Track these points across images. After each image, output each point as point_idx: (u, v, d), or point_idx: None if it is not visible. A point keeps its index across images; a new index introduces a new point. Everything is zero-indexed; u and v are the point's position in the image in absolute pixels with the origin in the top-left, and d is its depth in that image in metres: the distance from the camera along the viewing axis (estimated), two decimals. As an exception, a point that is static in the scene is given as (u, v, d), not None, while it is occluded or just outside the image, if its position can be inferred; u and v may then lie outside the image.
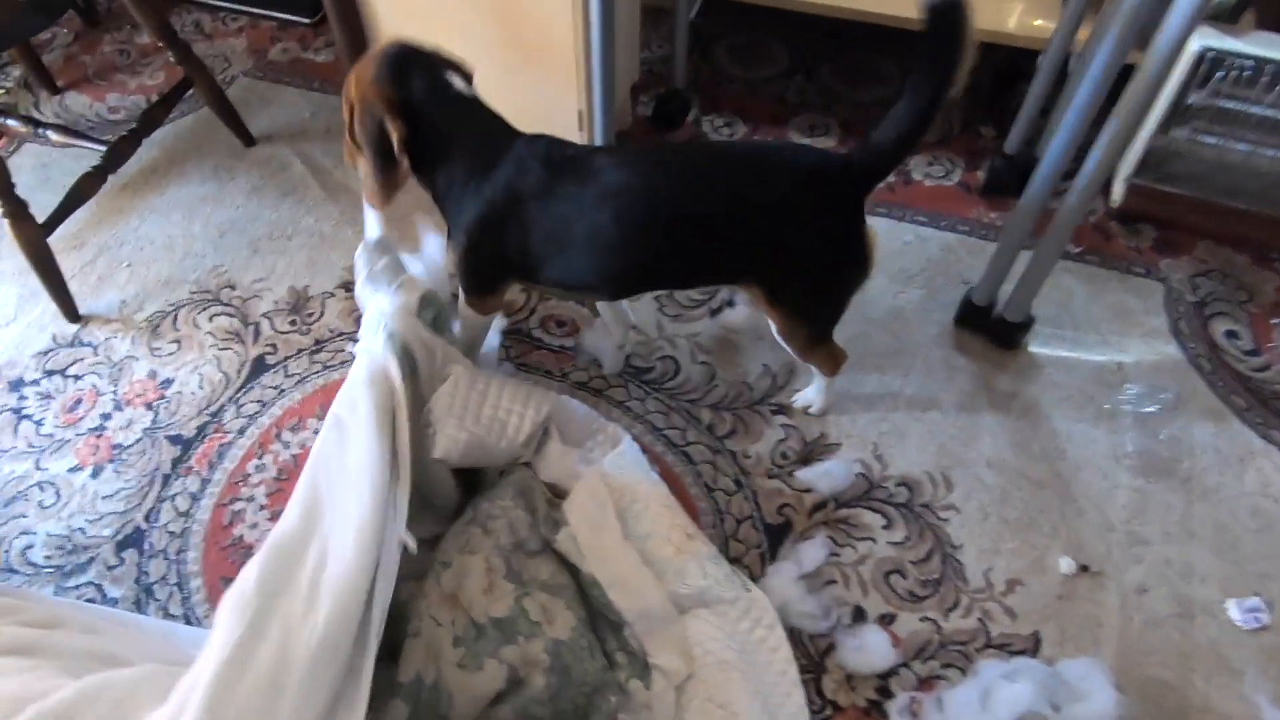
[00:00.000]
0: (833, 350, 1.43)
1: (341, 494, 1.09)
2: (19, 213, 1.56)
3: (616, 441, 1.46)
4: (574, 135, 1.73)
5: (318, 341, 1.67)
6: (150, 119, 1.76)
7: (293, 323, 1.70)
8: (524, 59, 1.63)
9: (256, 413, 1.58)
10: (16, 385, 1.63)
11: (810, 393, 1.56)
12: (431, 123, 1.24)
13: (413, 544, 1.12)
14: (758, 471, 1.48)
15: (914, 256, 1.77)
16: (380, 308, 1.35)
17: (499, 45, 1.62)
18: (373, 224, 1.47)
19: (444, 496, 1.36)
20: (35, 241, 1.60)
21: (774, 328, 1.36)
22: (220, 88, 1.87)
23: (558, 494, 1.41)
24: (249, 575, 1.01)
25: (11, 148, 2.03)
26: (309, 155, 2.00)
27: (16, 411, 1.60)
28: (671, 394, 1.58)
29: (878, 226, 1.79)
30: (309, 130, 2.06)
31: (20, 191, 1.59)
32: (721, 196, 1.19)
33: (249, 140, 2.00)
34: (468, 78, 1.31)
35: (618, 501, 1.37)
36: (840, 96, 2.09)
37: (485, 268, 1.34)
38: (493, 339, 1.63)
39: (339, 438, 1.20)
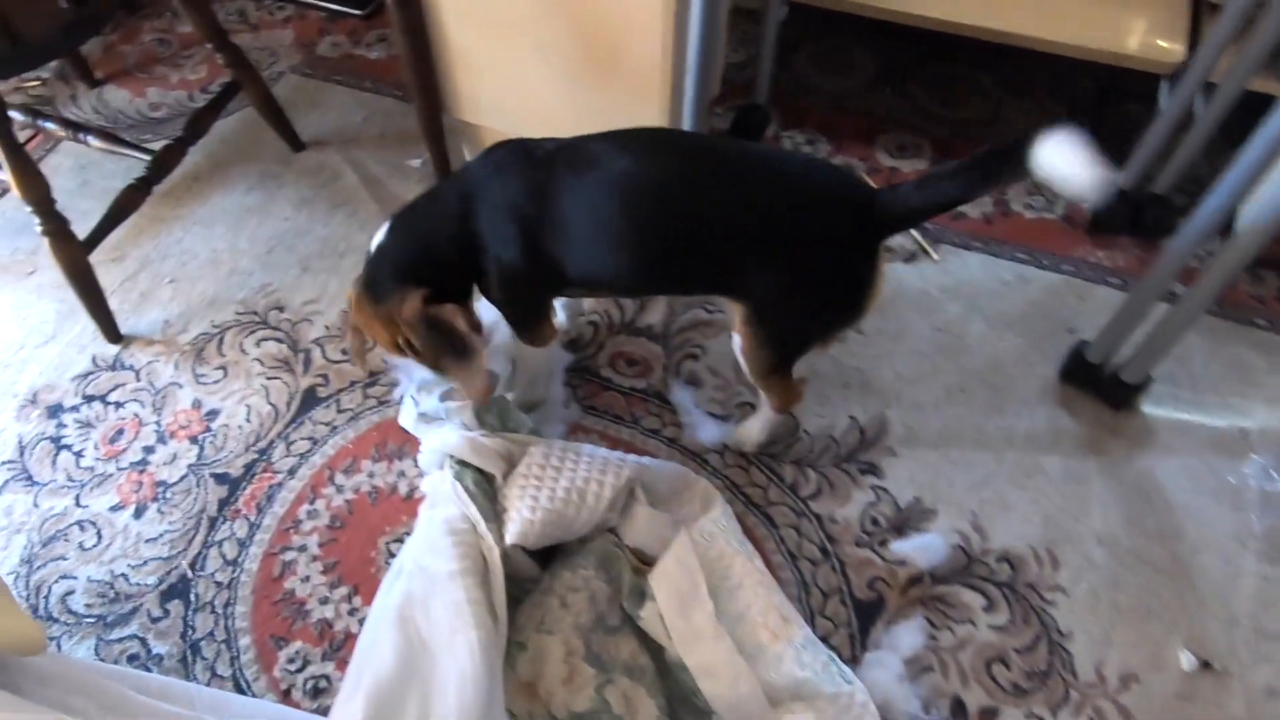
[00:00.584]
0: (790, 384, 1.34)
1: (439, 639, 1.02)
2: (60, 231, 1.48)
3: (709, 503, 1.35)
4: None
5: (372, 374, 1.58)
6: (197, 126, 1.66)
7: (345, 352, 1.61)
8: (601, 74, 1.51)
9: (308, 451, 1.50)
10: (55, 411, 1.56)
11: (752, 425, 1.45)
12: (441, 262, 1.20)
13: None
14: (846, 539, 1.38)
15: (1014, 299, 1.65)
16: (440, 442, 1.31)
17: (575, 58, 1.51)
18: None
19: (521, 570, 1.28)
20: (76, 261, 1.51)
21: (738, 342, 1.26)
22: (270, 92, 1.77)
23: (644, 560, 1.31)
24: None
25: (47, 146, 1.95)
26: (361, 164, 1.89)
27: (55, 441, 1.52)
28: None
29: (973, 263, 1.70)
30: (361, 136, 1.95)
31: (57, 196, 1.49)
32: (732, 198, 1.11)
33: (297, 145, 1.90)
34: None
35: (709, 574, 1.26)
36: (931, 113, 1.95)
37: (520, 293, 1.26)
38: (555, 382, 1.54)
39: (426, 583, 1.15)
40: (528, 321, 1.33)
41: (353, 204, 1.83)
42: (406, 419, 1.39)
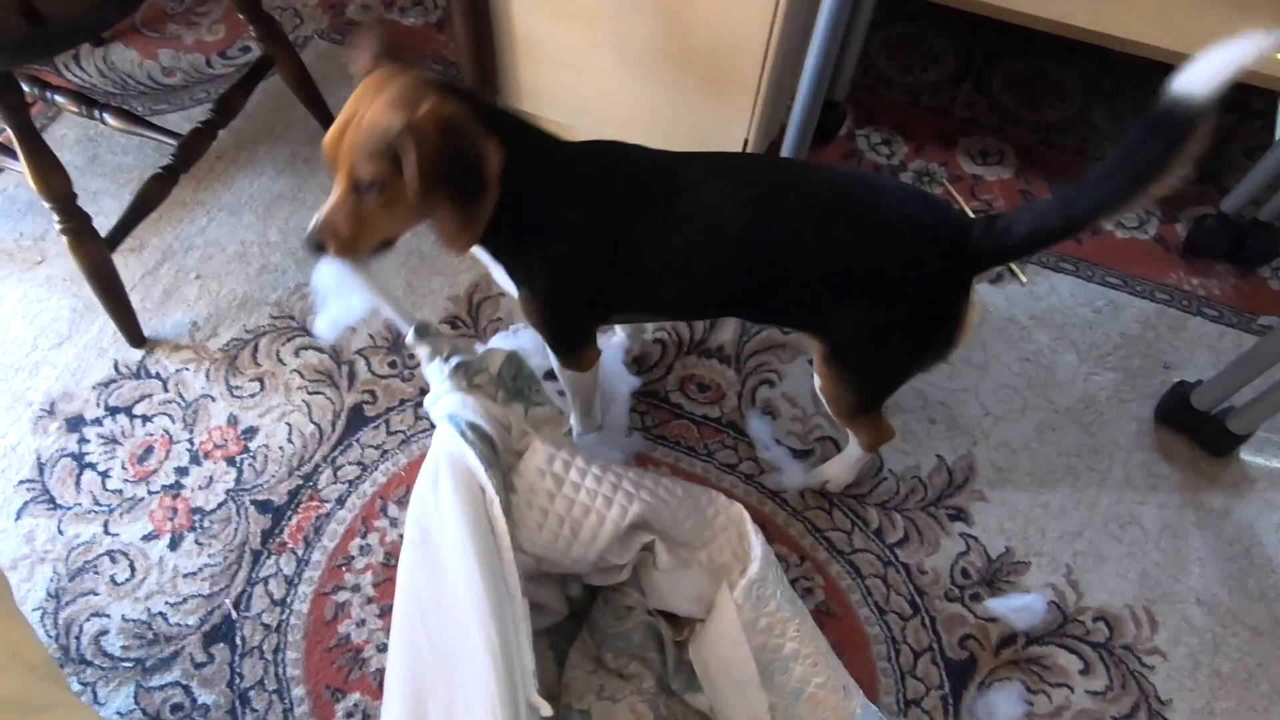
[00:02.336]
0: (880, 423, 1.27)
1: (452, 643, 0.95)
2: (82, 229, 1.34)
3: (744, 551, 1.19)
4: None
5: (423, 390, 1.48)
6: (226, 106, 1.51)
7: (393, 365, 1.50)
8: (688, 77, 1.40)
9: (357, 478, 1.40)
10: (76, 424, 1.44)
11: (837, 465, 1.38)
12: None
13: (547, 710, 0.96)
14: (935, 591, 1.33)
15: (1107, 329, 1.57)
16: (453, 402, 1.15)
17: (661, 58, 1.39)
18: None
19: (543, 596, 1.21)
20: (99, 261, 1.38)
21: (818, 383, 1.20)
22: (304, 68, 1.62)
23: (682, 622, 1.22)
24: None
25: (50, 115, 1.78)
26: (401, 148, 1.75)
27: (78, 459, 1.41)
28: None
29: (1063, 287, 1.62)
30: (399, 115, 1.81)
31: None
32: (818, 232, 1.04)
33: (330, 123, 1.75)
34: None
35: (761, 648, 1.14)
36: (1015, 116, 1.85)
37: (574, 316, 1.15)
38: (619, 407, 1.45)
39: (427, 557, 1.04)
40: (572, 343, 1.22)
41: (393, 195, 1.69)
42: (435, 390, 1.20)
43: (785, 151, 1.45)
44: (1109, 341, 1.56)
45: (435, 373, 1.15)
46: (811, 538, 1.37)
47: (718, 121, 1.44)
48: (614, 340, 1.50)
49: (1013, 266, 1.63)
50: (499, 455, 1.12)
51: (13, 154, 1.30)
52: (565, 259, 1.07)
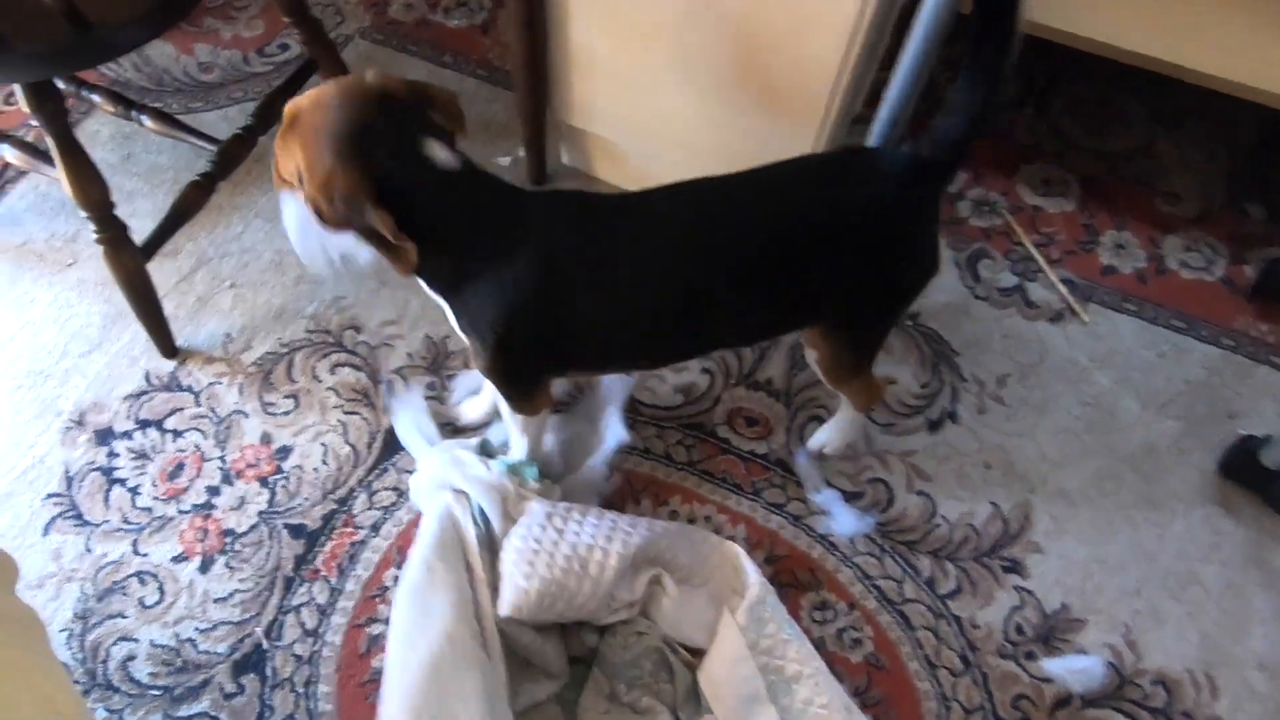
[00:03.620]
0: (873, 381, 1.29)
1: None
2: (118, 239, 1.31)
3: (741, 571, 1.23)
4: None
5: (457, 431, 1.45)
6: (267, 112, 1.47)
7: (431, 387, 1.47)
8: (754, 98, 1.35)
9: (392, 505, 1.38)
10: (106, 437, 1.42)
11: (830, 431, 1.41)
12: (416, 205, 0.97)
13: None
14: (988, 647, 1.30)
15: (1170, 375, 1.53)
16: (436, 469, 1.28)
17: (727, 78, 1.34)
18: None
19: (542, 655, 1.20)
20: (134, 272, 1.35)
21: (814, 356, 1.23)
22: (348, 72, 1.58)
23: (690, 649, 1.23)
24: None
25: (83, 110, 1.74)
26: (443, 156, 1.72)
27: (107, 474, 1.39)
28: (884, 530, 1.38)
29: (1125, 328, 1.58)
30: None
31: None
32: (791, 225, 1.04)
33: (371, 129, 1.71)
34: (448, 138, 1.01)
35: (764, 667, 1.18)
36: (1077, 143, 1.80)
37: (523, 365, 1.13)
38: (599, 459, 1.40)
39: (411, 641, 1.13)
40: (520, 391, 1.19)
41: (434, 206, 1.66)
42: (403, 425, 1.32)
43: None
44: (1172, 387, 1.52)
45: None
46: (861, 585, 1.34)
47: (781, 143, 1.39)
48: (616, 384, 1.46)
49: (1074, 304, 1.59)
50: (492, 527, 1.23)
51: (49, 160, 1.27)
52: (509, 312, 1.03)
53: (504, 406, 1.23)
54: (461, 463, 1.28)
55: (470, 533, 1.22)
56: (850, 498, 1.40)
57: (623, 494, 1.39)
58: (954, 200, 1.72)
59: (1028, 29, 1.68)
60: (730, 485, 1.41)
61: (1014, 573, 1.36)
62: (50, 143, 1.21)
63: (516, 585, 1.15)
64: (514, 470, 1.29)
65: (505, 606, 1.15)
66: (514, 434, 1.28)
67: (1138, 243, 1.68)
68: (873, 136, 1.33)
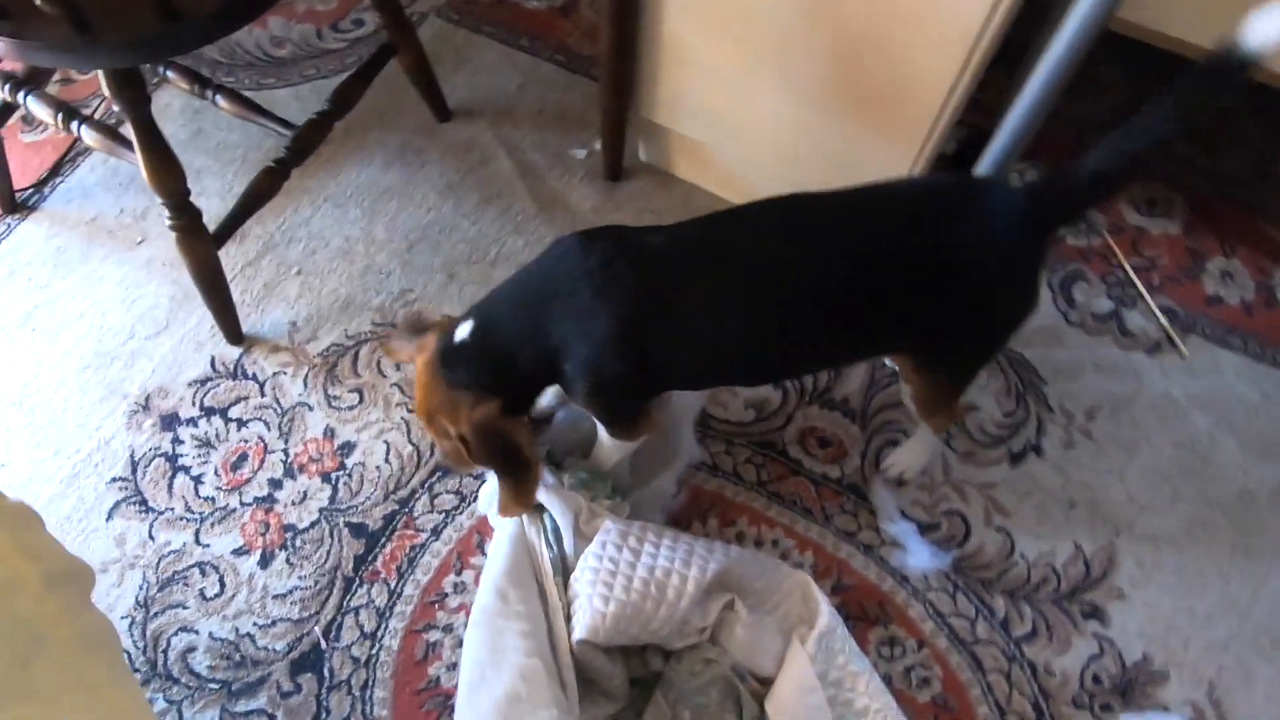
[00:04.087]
0: (957, 408, 1.29)
1: None
2: (191, 227, 1.30)
3: (810, 601, 1.20)
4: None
5: (529, 420, 1.43)
6: (344, 97, 1.45)
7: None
8: (859, 109, 1.29)
9: (454, 509, 1.37)
10: (171, 422, 1.42)
11: (906, 454, 1.38)
12: (519, 374, 1.08)
13: None
14: (1062, 696, 1.26)
15: (1275, 418, 1.45)
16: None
17: (830, 86, 1.29)
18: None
19: (609, 677, 1.18)
20: (205, 259, 1.34)
21: (907, 392, 1.22)
22: (425, 57, 1.55)
23: (759, 679, 1.21)
24: None
25: (153, 82, 1.73)
26: (516, 146, 1.68)
27: (172, 460, 1.40)
28: (959, 566, 1.34)
29: (1228, 364, 1.51)
30: (516, 108, 1.73)
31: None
32: (889, 253, 1.01)
33: (444, 114, 1.69)
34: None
35: (832, 700, 1.15)
36: (1188, 160, 1.71)
37: (623, 400, 1.13)
38: (669, 475, 1.38)
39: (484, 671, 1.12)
40: (626, 421, 1.19)
41: (506, 198, 1.63)
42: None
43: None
44: (1275, 431, 1.45)
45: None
46: (932, 622, 1.30)
47: (879, 157, 1.34)
48: (688, 401, 1.43)
49: (1173, 334, 1.52)
50: (565, 549, 1.21)
51: (127, 144, 1.26)
52: (605, 359, 1.04)
53: (603, 432, 1.21)
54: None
55: (545, 556, 1.20)
56: (925, 529, 1.36)
57: (689, 512, 1.37)
58: (1050, 216, 1.64)
59: (1137, 33, 1.60)
60: (800, 509, 1.38)
61: (1094, 619, 1.31)
62: (131, 130, 1.20)
63: (593, 608, 1.13)
64: (587, 485, 1.27)
65: (581, 629, 1.13)
66: (604, 454, 1.27)
67: (1246, 272, 1.60)
68: (988, 157, 1.26)
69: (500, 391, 1.07)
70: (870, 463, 1.41)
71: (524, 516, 1.23)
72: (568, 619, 1.15)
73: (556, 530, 1.22)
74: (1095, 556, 1.35)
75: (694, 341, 1.05)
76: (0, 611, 0.74)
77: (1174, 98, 0.91)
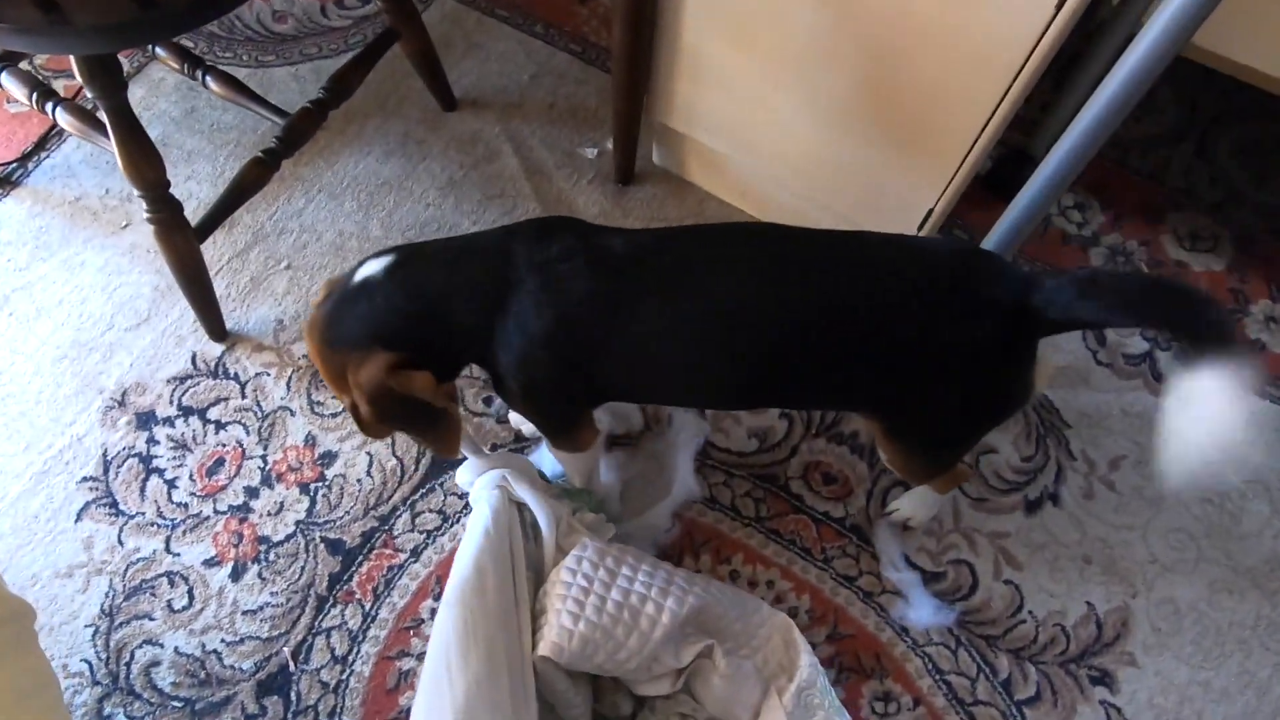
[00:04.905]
0: (956, 472, 1.21)
1: None
2: (171, 220, 1.24)
3: (791, 648, 1.16)
4: (906, 231, 1.33)
5: (520, 439, 1.37)
6: (342, 85, 1.38)
7: (488, 401, 1.40)
8: (886, 135, 1.22)
9: (436, 529, 1.32)
10: (147, 421, 1.38)
11: (914, 502, 1.33)
12: (439, 334, 0.98)
13: None
14: (1063, 767, 1.21)
15: (1313, 479, 1.38)
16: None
17: (857, 110, 1.21)
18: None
19: (569, 705, 1.14)
20: (186, 253, 1.29)
21: (883, 456, 1.17)
22: (431, 44, 1.47)
23: None
24: None
25: (145, 58, 1.66)
26: (524, 142, 1.61)
27: (145, 461, 1.35)
28: (963, 620, 1.28)
29: (1267, 414, 1.43)
30: (526, 100, 1.66)
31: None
32: (854, 306, 0.95)
33: (450, 103, 1.61)
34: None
35: None
36: (1239, 193, 1.61)
37: (555, 404, 1.08)
38: (664, 507, 1.32)
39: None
40: (563, 430, 1.13)
41: (510, 197, 1.56)
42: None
43: (997, 236, 1.25)
44: (1313, 494, 1.38)
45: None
46: (930, 679, 1.24)
47: (907, 180, 1.26)
48: (689, 428, 1.38)
49: (1208, 382, 1.43)
50: (540, 548, 1.16)
51: (104, 130, 1.20)
52: (543, 355, 0.97)
53: (547, 444, 1.17)
54: (521, 473, 1.20)
55: (520, 544, 1.14)
56: (930, 579, 1.30)
57: (681, 545, 1.31)
58: (1087, 246, 1.55)
59: (1196, 55, 1.50)
60: (799, 549, 1.32)
61: (1103, 685, 1.25)
62: (105, 118, 1.14)
63: (560, 625, 1.08)
64: (571, 496, 1.22)
65: (546, 646, 1.08)
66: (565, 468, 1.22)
67: (1294, 318, 1.51)
68: (1033, 188, 1.16)
69: (403, 346, 0.96)
70: (876, 503, 1.35)
71: (504, 498, 1.15)
72: (534, 629, 1.10)
73: (536, 525, 1.16)
74: (1108, 618, 1.29)
75: (638, 356, 0.99)
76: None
77: (1149, 302, 0.90)
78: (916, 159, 1.23)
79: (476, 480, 1.20)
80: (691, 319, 0.96)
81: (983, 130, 1.15)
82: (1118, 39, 1.43)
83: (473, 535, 1.14)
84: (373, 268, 0.96)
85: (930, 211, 1.28)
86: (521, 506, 1.18)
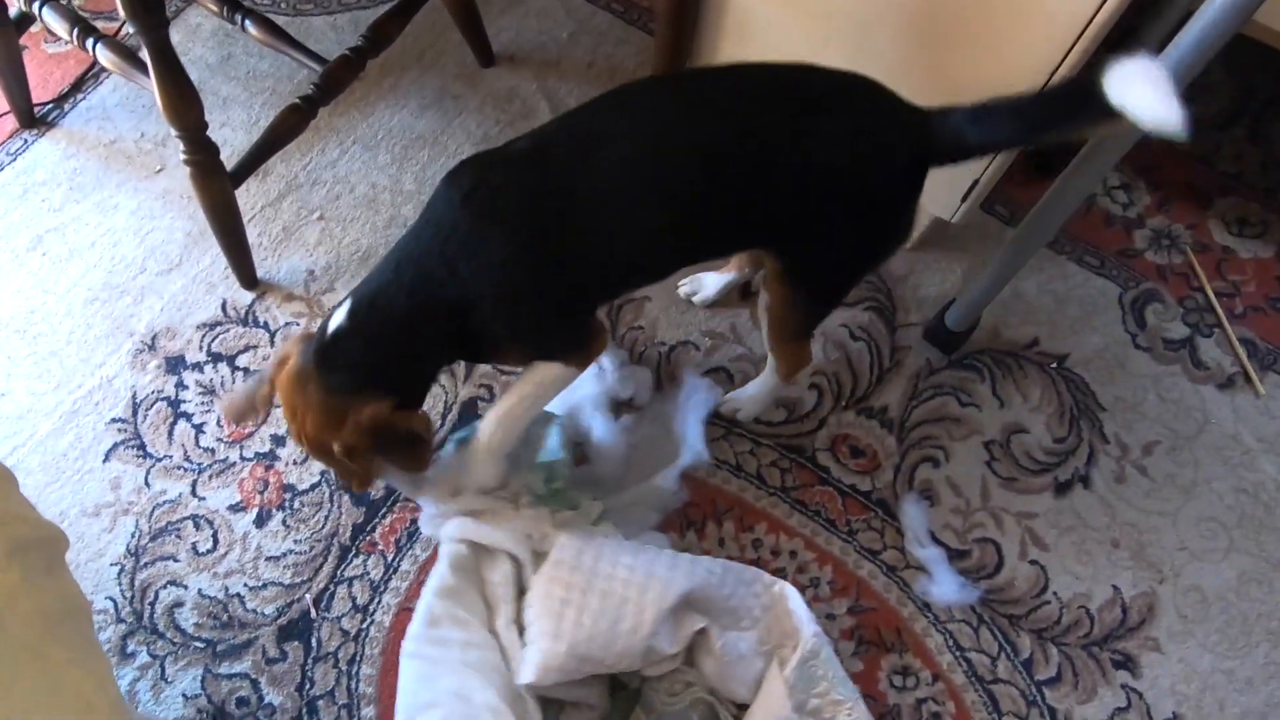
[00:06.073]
0: (805, 349, 1.27)
1: None
2: (208, 164, 1.26)
3: (792, 628, 1.15)
4: (951, 206, 1.32)
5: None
6: (379, 35, 1.38)
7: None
8: (940, 97, 1.19)
9: (460, 484, 1.33)
10: (176, 365, 1.40)
11: (749, 392, 1.37)
12: (415, 358, 1.03)
13: None
14: (1082, 749, 1.21)
15: (1350, 472, 1.37)
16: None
17: (909, 69, 1.19)
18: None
19: (581, 696, 1.16)
20: (221, 198, 1.30)
21: (765, 301, 1.19)
22: (474, 0, 1.47)
23: (739, 704, 1.18)
24: None
25: (179, 4, 1.66)
26: (560, 100, 1.61)
27: (174, 405, 1.37)
28: (986, 598, 1.28)
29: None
30: (564, 59, 1.65)
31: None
32: (777, 134, 0.97)
33: (487, 59, 1.61)
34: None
35: None
36: (1289, 178, 1.59)
37: (553, 321, 1.07)
38: (672, 471, 1.30)
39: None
40: (575, 343, 1.10)
41: (544, 156, 1.55)
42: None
43: (1039, 213, 1.23)
44: (1351, 488, 1.36)
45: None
46: (951, 655, 1.25)
47: (1003, 77, 1.24)
48: (699, 391, 1.38)
49: (1250, 370, 1.42)
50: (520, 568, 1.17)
51: (144, 69, 1.21)
52: (528, 286, 0.99)
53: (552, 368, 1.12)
54: (481, 512, 1.19)
55: (492, 576, 1.16)
56: (955, 556, 1.30)
57: (704, 513, 1.32)
58: (1130, 228, 1.54)
59: (1256, 33, 1.47)
60: (823, 520, 1.33)
61: (1125, 669, 1.25)
62: (147, 55, 1.15)
63: (541, 648, 1.08)
64: (544, 501, 1.20)
65: (530, 671, 1.08)
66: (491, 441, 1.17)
67: (1340, 309, 1.49)
68: (1081, 164, 1.14)
69: (393, 387, 0.99)
70: (904, 479, 1.35)
71: (461, 549, 1.17)
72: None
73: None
74: (1134, 603, 1.29)
75: (592, 234, 0.99)
76: (-48, 587, 0.71)
77: (1043, 104, 0.95)
78: (1011, 44, 1.21)
79: (438, 534, 1.20)
80: (615, 179, 0.97)
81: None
82: (1175, 13, 1.40)
83: (429, 587, 1.14)
84: (338, 319, 0.98)
85: (976, 181, 1.27)
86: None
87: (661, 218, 1.00)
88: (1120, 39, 1.43)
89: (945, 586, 1.28)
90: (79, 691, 0.80)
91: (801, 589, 1.27)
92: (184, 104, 1.19)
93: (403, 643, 1.11)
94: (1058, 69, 1.10)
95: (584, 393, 1.33)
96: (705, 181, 0.98)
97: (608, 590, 1.11)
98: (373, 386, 0.98)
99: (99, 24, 1.62)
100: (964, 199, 1.31)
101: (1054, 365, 1.43)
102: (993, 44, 1.12)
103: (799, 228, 1.03)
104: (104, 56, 1.27)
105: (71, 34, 1.28)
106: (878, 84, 0.99)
